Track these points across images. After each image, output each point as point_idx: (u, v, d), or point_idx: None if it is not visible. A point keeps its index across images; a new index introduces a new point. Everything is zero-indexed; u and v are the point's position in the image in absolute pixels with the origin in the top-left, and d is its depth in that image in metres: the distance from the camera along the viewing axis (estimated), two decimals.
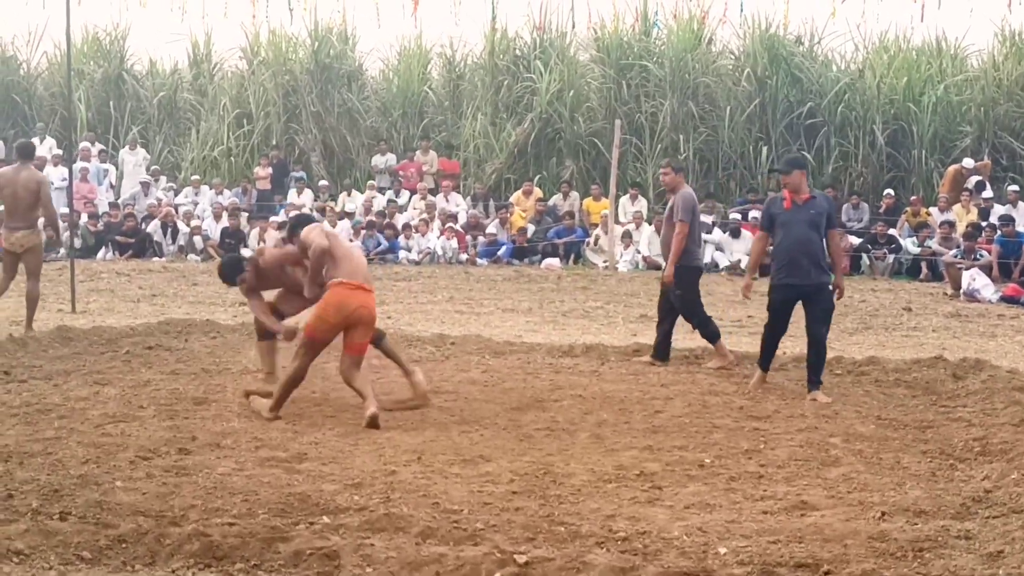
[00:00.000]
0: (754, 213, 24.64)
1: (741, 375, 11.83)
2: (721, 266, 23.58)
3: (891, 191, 25.89)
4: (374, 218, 25.95)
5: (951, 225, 22.92)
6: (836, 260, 11.09)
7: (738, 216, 24.64)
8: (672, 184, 13.04)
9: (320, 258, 9.60)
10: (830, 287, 10.91)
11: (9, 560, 6.10)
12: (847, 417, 9.81)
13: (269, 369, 10.41)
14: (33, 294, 14.36)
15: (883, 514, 6.90)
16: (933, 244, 22.89)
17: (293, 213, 20.38)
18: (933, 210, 24.57)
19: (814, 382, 10.79)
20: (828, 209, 11.01)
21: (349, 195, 28.07)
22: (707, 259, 23.72)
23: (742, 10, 29.26)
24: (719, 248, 24.08)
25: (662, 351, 12.75)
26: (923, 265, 22.82)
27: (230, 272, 10.45)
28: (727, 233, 24.16)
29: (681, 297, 12.67)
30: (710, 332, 12.70)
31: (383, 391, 10.35)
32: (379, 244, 24.95)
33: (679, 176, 13.11)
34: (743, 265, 23.04)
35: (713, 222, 24.25)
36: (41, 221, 14.45)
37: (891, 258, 23.22)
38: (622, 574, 5.84)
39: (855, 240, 23.79)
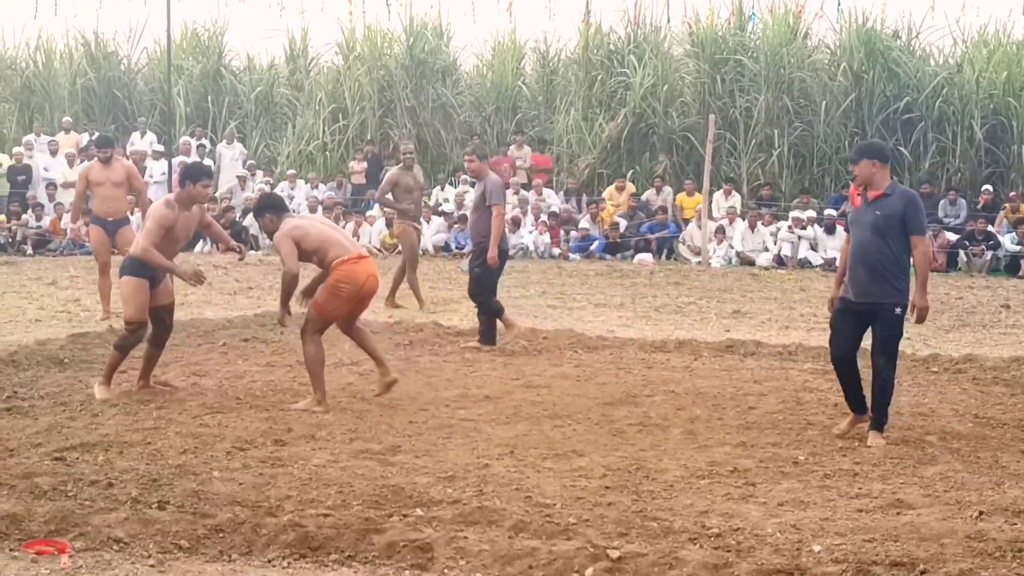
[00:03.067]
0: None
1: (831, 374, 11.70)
2: (815, 263, 23.36)
3: (989, 187, 25.54)
4: (466, 212, 26.05)
5: None
6: (918, 274, 8.80)
7: (832, 212, 24.40)
8: (477, 171, 13.48)
9: (291, 284, 9.71)
10: (897, 310, 8.75)
11: (109, 548, 6.22)
12: (944, 415, 9.69)
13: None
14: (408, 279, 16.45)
15: (981, 513, 6.80)
16: None
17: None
18: None
19: (874, 420, 8.86)
20: (902, 210, 8.66)
21: (443, 189, 28.22)
22: (801, 255, 23.57)
23: (839, 4, 29.01)
24: (812, 246, 23.87)
25: (489, 335, 13.09)
26: (1022, 262, 22.48)
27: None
28: (822, 229, 23.93)
29: (479, 275, 13.12)
30: (489, 313, 13.18)
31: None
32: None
33: (484, 163, 13.55)
34: (838, 262, 22.83)
35: (809, 218, 24.04)
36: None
37: (989, 255, 22.89)
38: (715, 571, 5.82)
39: (952, 236, 23.50)
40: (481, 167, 13.38)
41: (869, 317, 8.84)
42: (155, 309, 10.26)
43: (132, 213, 16.62)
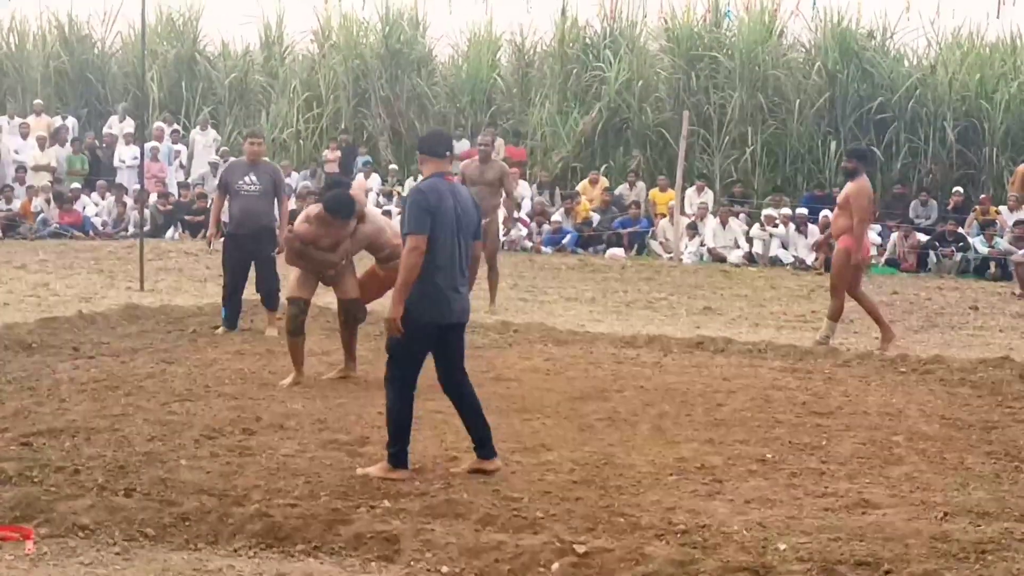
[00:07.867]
0: (825, 212, 24.42)
1: (804, 370, 11.75)
2: (786, 261, 23.41)
3: (960, 189, 25.56)
4: None
5: (1022, 224, 22.59)
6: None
7: (804, 211, 24.46)
8: (260, 154, 13.23)
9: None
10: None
11: (75, 535, 6.21)
12: (911, 416, 9.71)
13: (299, 366, 10.34)
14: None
15: (946, 514, 6.83)
16: (1002, 243, 22.61)
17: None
18: (1003, 209, 24.24)
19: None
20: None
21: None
22: (772, 253, 23.61)
23: (814, 3, 29.02)
24: (784, 244, 23.92)
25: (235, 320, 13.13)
26: (991, 264, 22.55)
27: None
28: (793, 228, 23.96)
29: (274, 260, 12.98)
30: (277, 300, 13.01)
31: None
32: None
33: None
34: (809, 261, 22.89)
35: (782, 216, 24.08)
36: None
37: (959, 256, 22.97)
38: (681, 567, 5.83)
39: (922, 237, 23.59)
40: (263, 150, 13.37)
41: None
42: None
43: None
